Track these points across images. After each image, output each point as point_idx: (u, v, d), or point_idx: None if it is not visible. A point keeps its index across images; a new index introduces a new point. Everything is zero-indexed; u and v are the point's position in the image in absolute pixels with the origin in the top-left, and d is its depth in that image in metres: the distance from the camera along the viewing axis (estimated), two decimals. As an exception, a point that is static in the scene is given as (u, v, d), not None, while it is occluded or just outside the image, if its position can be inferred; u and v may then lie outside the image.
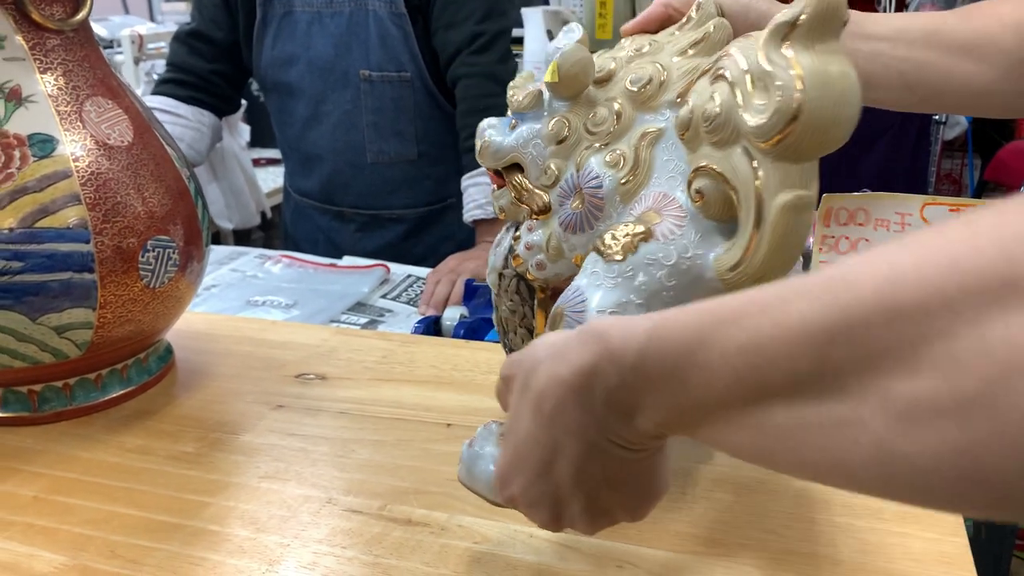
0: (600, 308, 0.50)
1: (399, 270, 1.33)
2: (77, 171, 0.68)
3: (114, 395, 0.76)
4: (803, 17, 0.42)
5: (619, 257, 0.50)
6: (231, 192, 2.01)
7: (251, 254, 1.41)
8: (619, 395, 0.38)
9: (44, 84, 0.69)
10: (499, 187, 0.62)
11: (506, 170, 0.61)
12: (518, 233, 0.61)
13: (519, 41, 2.35)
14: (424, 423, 0.73)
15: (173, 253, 0.74)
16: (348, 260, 1.37)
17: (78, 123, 0.69)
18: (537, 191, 0.59)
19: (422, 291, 1.23)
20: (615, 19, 2.35)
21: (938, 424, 0.26)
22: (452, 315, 1.03)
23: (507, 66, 1.36)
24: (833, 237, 0.75)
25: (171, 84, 1.49)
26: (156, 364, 0.81)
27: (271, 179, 2.37)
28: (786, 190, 0.44)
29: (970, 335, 0.25)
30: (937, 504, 0.28)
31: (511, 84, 0.60)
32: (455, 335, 0.99)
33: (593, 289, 0.51)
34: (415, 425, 0.72)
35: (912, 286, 0.26)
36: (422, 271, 1.33)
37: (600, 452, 0.41)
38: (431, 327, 1.02)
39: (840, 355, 0.29)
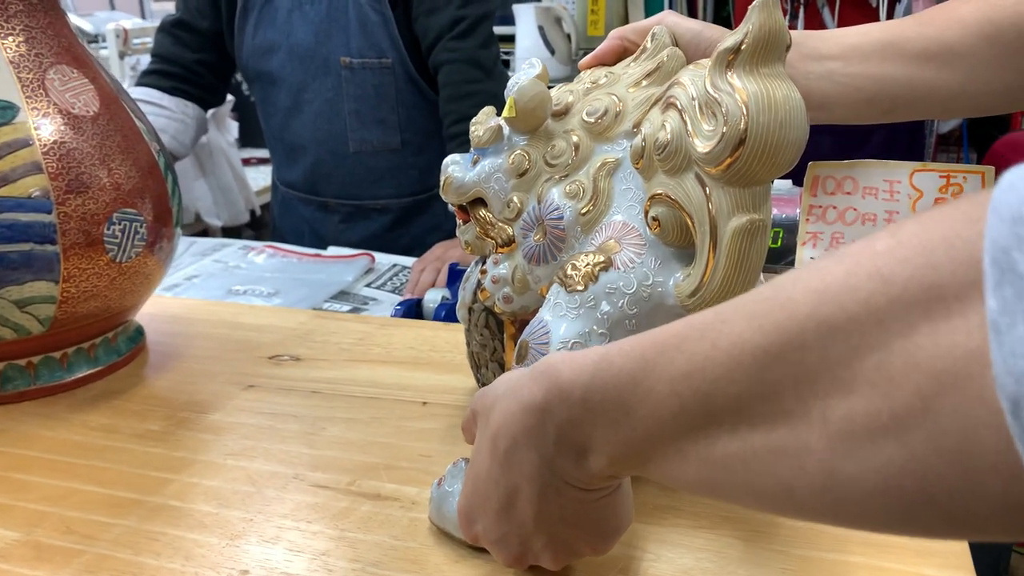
0: (563, 339, 0.49)
1: (384, 259, 1.31)
2: (39, 140, 0.66)
3: (81, 375, 0.74)
4: (745, 43, 0.42)
5: (580, 287, 0.49)
6: (219, 189, 1.99)
7: (235, 245, 1.39)
8: (569, 432, 0.38)
9: (5, 50, 0.66)
10: (464, 222, 0.61)
11: (470, 205, 0.60)
12: (485, 267, 0.60)
13: (511, 39, 2.34)
14: (399, 401, 0.70)
15: (140, 227, 0.71)
16: (333, 250, 1.35)
17: (40, 91, 0.67)
18: (501, 224, 0.58)
19: (408, 280, 1.21)
20: (607, 15, 2.33)
21: (879, 443, 0.25)
22: (434, 297, 1.01)
23: (490, 51, 1.34)
24: (820, 207, 0.72)
25: (155, 75, 1.47)
26: (126, 345, 0.79)
27: (261, 178, 2.34)
28: (739, 214, 0.44)
29: (901, 348, 0.24)
30: (891, 527, 0.27)
31: (473, 120, 0.60)
32: (436, 317, 0.97)
33: (556, 320, 0.50)
34: (390, 404, 0.70)
35: (843, 300, 0.26)
36: (408, 260, 1.31)
37: (556, 493, 0.40)
38: (412, 309, 0.99)
39: (779, 376, 0.28)
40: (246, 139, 2.56)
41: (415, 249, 1.40)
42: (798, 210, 0.74)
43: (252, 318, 0.89)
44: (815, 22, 2.37)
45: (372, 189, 1.46)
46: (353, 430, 0.66)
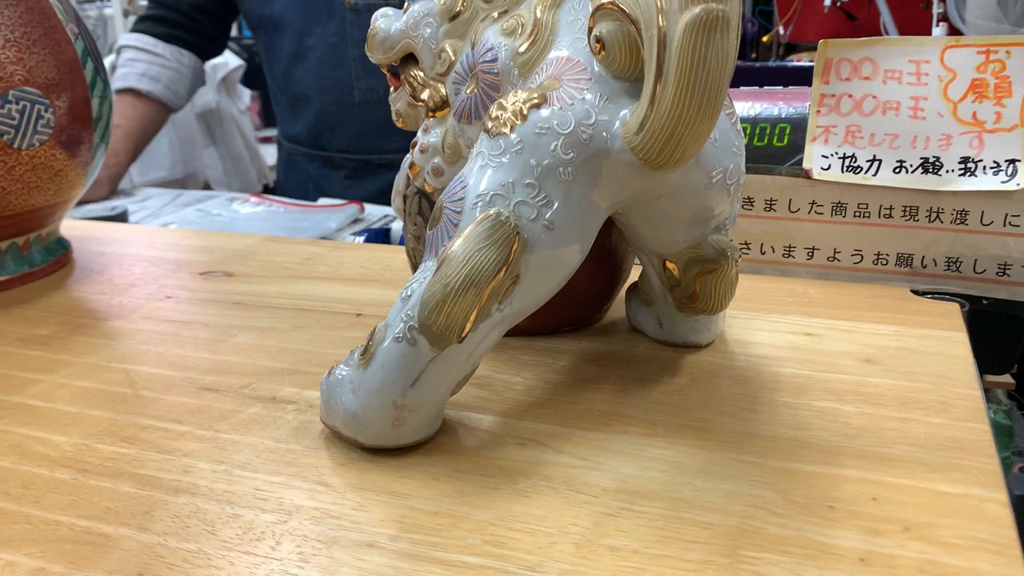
0: (481, 193, 0.38)
1: (375, 210, 1.22)
2: (-81, -2, 0.57)
3: (-20, 283, 0.65)
4: None
5: (506, 130, 0.39)
6: (230, 158, 1.91)
7: (222, 197, 1.31)
8: None
9: None
10: (395, 89, 0.52)
11: (401, 66, 0.51)
12: (416, 138, 0.51)
13: None
14: (331, 312, 0.60)
15: (45, 112, 0.62)
16: (323, 201, 1.26)
17: (-74, -55, 0.59)
18: (433, 83, 0.49)
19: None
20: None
21: None
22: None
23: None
24: (834, 96, 0.61)
25: (150, 21, 1.40)
26: (40, 256, 0.70)
27: (280, 154, 2.28)
28: (692, 6, 0.33)
29: None
30: None
31: None
32: (402, 242, 0.87)
33: (477, 172, 0.39)
34: (318, 315, 0.60)
35: None
36: (401, 211, 1.22)
37: None
38: (378, 236, 0.90)
39: None
40: (268, 119, 2.50)
41: (418, 207, 1.31)
42: (807, 104, 0.63)
43: (197, 241, 0.80)
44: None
45: (379, 142, 1.37)
46: (267, 338, 0.56)
